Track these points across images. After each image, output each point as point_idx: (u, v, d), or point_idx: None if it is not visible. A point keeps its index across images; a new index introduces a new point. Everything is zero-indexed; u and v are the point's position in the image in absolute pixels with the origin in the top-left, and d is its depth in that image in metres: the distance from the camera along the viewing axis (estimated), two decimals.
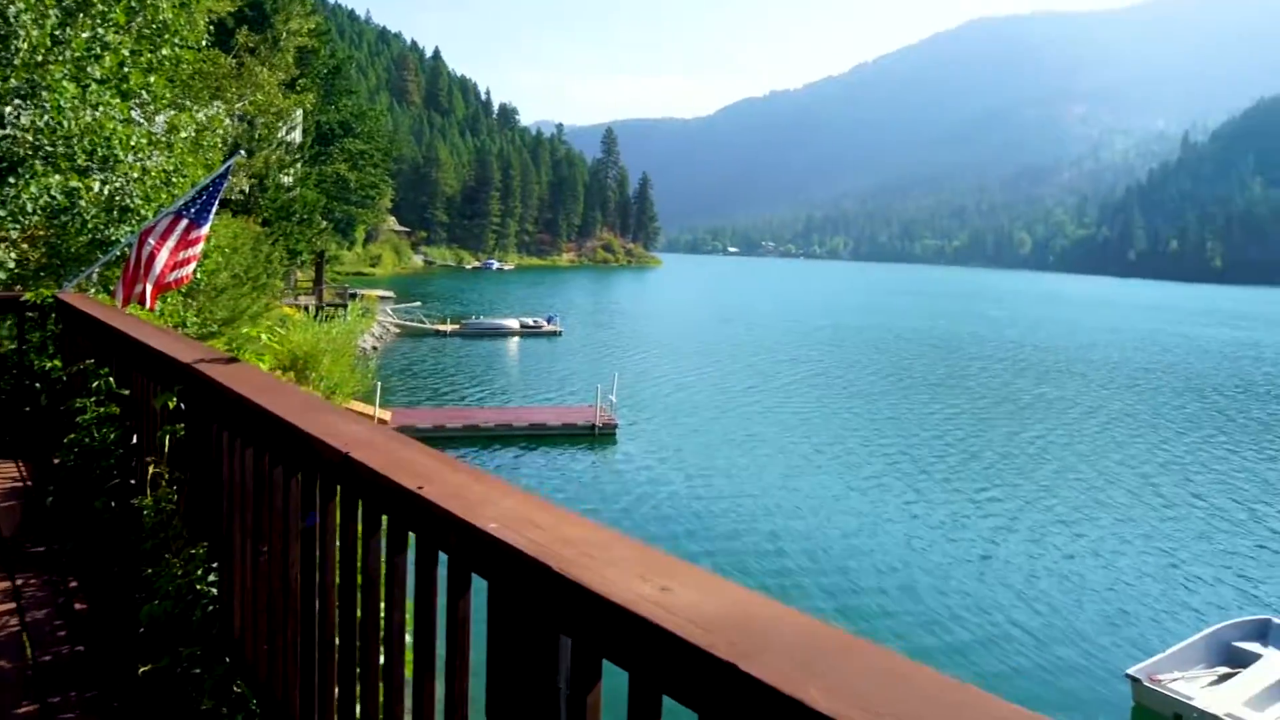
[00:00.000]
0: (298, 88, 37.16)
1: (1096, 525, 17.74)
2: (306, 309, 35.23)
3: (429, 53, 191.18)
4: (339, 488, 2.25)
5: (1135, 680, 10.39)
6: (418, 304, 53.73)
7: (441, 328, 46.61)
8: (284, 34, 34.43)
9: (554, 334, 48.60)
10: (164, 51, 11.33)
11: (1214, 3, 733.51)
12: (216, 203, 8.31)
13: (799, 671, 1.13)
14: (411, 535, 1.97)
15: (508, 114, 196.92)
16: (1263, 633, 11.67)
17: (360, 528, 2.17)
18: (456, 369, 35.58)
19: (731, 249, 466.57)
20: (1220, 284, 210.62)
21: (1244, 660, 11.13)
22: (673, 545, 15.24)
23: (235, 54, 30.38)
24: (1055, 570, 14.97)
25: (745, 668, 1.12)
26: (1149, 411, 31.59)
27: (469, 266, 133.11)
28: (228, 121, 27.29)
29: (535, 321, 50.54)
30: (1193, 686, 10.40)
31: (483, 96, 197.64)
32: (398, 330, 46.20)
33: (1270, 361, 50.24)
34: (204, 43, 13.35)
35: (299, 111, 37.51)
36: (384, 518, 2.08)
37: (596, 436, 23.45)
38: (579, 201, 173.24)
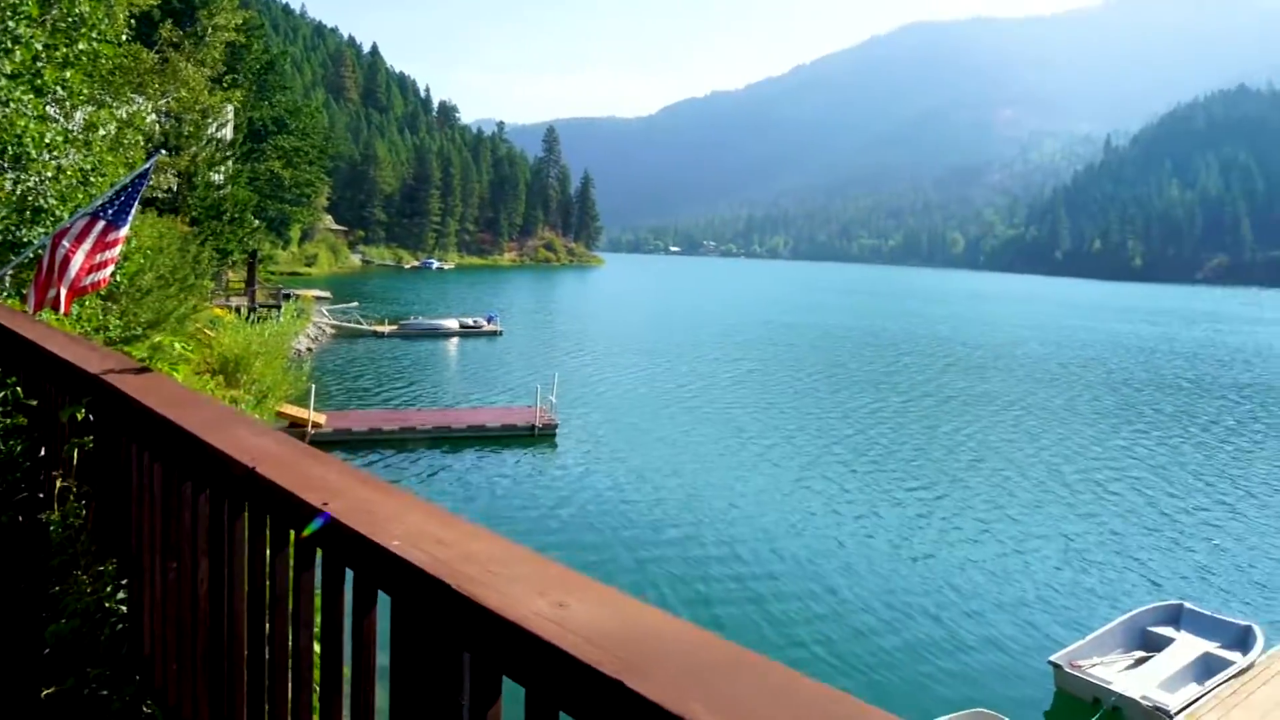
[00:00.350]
0: (224, 83, 36.14)
1: (1018, 516, 18.30)
2: (238, 310, 34.29)
3: (367, 49, 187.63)
4: (246, 503, 2.21)
5: (1057, 666, 10.77)
6: (355, 304, 52.70)
7: (379, 328, 45.84)
8: (209, 29, 33.43)
9: (494, 334, 48.20)
10: (81, 46, 10.93)
11: (1135, 13, 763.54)
12: (136, 203, 8.05)
13: (685, 687, 1.15)
14: (319, 552, 1.95)
15: (448, 112, 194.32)
16: (1175, 617, 12.22)
17: (268, 544, 2.14)
18: (394, 370, 35.05)
19: (673, 248, 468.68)
20: (1140, 282, 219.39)
21: (1158, 644, 11.63)
22: (604, 548, 15.25)
23: (158, 49, 29.40)
24: (979, 562, 15.39)
25: (631, 685, 1.14)
26: (1065, 406, 32.67)
27: (408, 266, 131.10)
28: (151, 118, 26.42)
29: (475, 321, 50.04)
30: (1111, 671, 10.83)
31: (422, 94, 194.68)
32: (334, 331, 45.28)
33: (1183, 356, 52.50)
34: (124, 37, 12.90)
35: (229, 108, 36.49)
36: (292, 533, 2.06)
37: (536, 437, 23.34)
38: (520, 201, 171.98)
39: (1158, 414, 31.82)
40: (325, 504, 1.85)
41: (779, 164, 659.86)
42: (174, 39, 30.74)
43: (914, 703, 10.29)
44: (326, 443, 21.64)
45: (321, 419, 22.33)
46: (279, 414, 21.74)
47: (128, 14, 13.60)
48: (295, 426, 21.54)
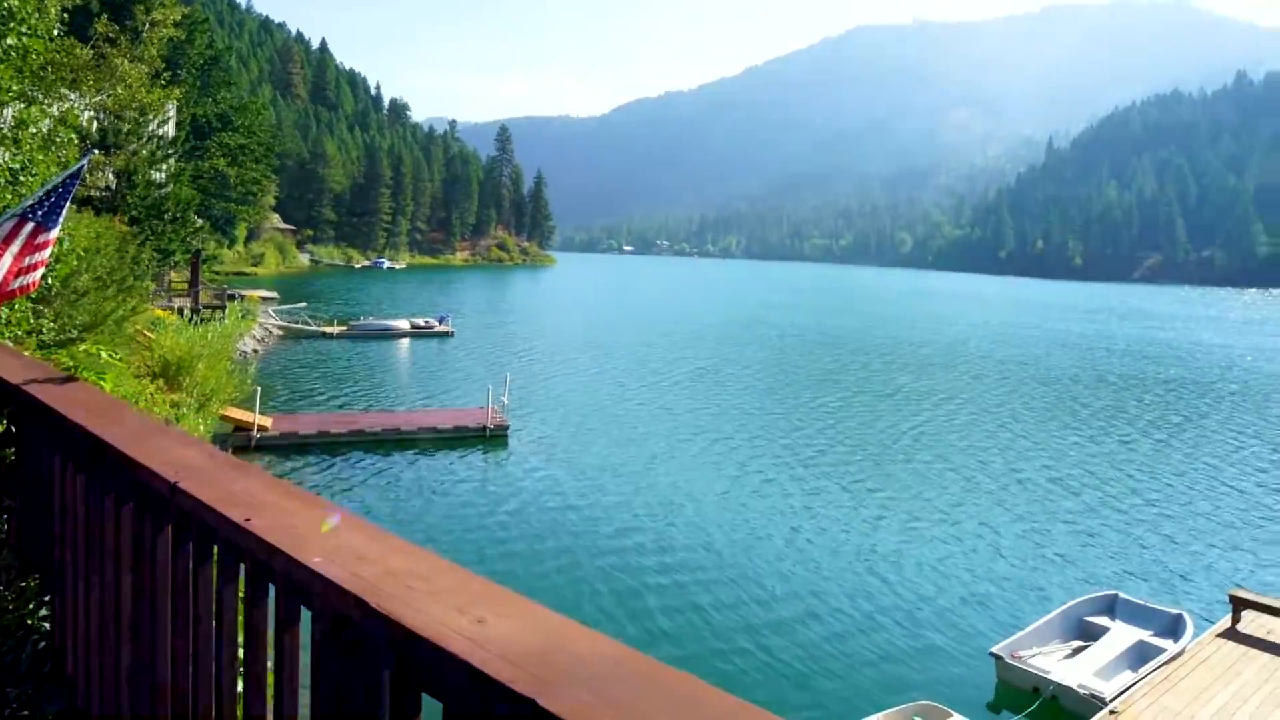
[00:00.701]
0: (163, 80, 35.18)
1: (955, 511, 18.62)
2: (181, 311, 33.44)
3: (315, 45, 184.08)
4: (169, 518, 2.17)
5: (998, 658, 11.03)
6: (303, 305, 51.71)
7: (328, 329, 45.06)
8: (145, 24, 32.48)
9: (446, 335, 47.72)
10: (9, 41, 10.55)
11: (1077, 20, 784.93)
12: (68, 204, 7.82)
13: (598, 703, 1.16)
14: (242, 566, 1.92)
15: (399, 110, 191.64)
16: (1110, 607, 12.61)
17: (192, 559, 2.10)
18: (343, 372, 34.50)
19: (627, 247, 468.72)
20: (1080, 280, 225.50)
21: (1094, 634, 11.98)
22: (548, 552, 15.15)
23: (94, 44, 28.50)
24: (918, 557, 15.63)
25: (544, 703, 1.15)
26: (1000, 402, 33.24)
27: (358, 265, 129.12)
28: (87, 115, 25.62)
29: (426, 322, 49.48)
30: (1049, 661, 11.13)
31: (373, 91, 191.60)
32: (281, 332, 44.37)
33: (1120, 353, 54.11)
34: (56, 32, 12.46)
35: (171, 104, 35.54)
36: (215, 548, 2.03)
37: (488, 439, 23.18)
38: (473, 199, 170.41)
39: (1089, 409, 32.72)
40: (248, 519, 1.83)
41: (732, 164, 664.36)
42: (110, 34, 29.84)
43: (860, 698, 10.46)
44: (273, 446, 21.23)
45: (267, 422, 21.90)
46: (223, 417, 21.25)
47: (60, 8, 13.15)
48: (240, 430, 21.10)
